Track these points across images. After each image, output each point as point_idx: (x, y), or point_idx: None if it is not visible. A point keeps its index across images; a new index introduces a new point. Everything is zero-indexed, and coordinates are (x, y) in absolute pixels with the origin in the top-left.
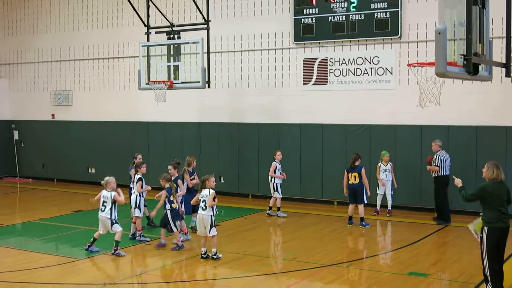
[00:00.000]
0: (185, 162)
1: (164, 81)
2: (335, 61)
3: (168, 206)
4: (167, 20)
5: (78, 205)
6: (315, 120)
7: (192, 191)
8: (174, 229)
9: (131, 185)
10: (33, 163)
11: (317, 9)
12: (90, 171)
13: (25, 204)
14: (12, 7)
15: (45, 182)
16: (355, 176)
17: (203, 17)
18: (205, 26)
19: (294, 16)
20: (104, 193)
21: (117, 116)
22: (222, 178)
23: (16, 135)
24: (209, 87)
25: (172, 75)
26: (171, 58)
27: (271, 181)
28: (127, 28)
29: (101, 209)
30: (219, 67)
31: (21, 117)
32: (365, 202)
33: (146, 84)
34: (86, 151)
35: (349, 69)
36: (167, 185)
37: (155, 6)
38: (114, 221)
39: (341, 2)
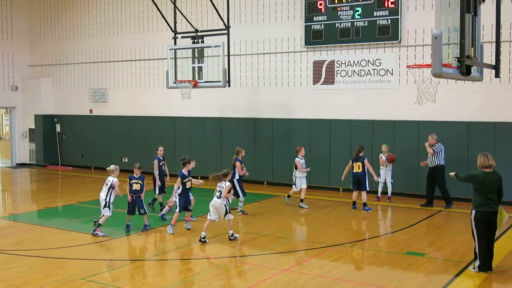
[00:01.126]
0: (235, 151)
1: (189, 81)
2: (341, 63)
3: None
4: (192, 26)
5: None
6: (323, 116)
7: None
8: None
9: (156, 173)
10: (73, 153)
11: (325, 16)
12: (123, 160)
13: (66, 189)
14: (56, 15)
15: (83, 170)
16: (359, 165)
17: (224, 24)
18: (226, 31)
19: (305, 22)
20: (108, 178)
21: (147, 111)
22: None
23: (58, 128)
24: (229, 86)
25: (197, 75)
26: (196, 60)
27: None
28: (157, 33)
29: (102, 190)
30: (238, 68)
31: (63, 112)
32: (367, 189)
33: (174, 83)
34: (120, 142)
35: (354, 70)
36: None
37: (181, 14)
38: (108, 203)
39: (347, 10)
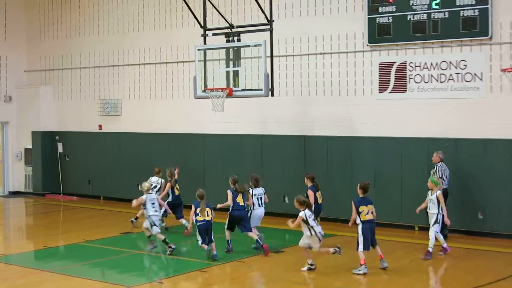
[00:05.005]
0: (309, 177)
1: (222, 89)
2: (415, 66)
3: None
4: (226, 20)
5: (127, 226)
6: (392, 133)
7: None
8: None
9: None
10: (78, 179)
11: (394, 6)
12: (139, 188)
13: (69, 224)
14: (58, 8)
15: (91, 200)
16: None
17: (266, 17)
18: (268, 26)
19: (368, 14)
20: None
21: (170, 128)
22: (286, 198)
23: (60, 147)
24: (272, 95)
25: (231, 82)
26: (230, 62)
27: None
28: (182, 30)
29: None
30: (283, 73)
31: (66, 128)
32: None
33: (203, 92)
34: (136, 166)
35: (431, 75)
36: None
37: (213, 5)
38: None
39: None
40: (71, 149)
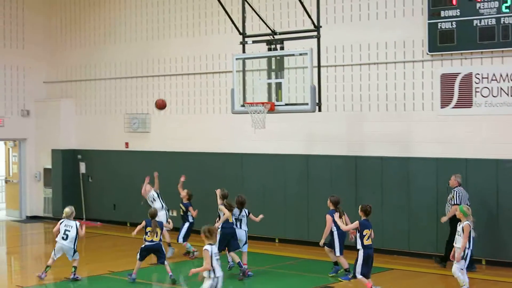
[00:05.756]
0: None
1: (263, 103)
2: (482, 78)
3: None
4: (268, 26)
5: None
6: (456, 154)
7: None
8: None
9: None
10: (102, 203)
11: (458, 10)
12: (170, 213)
13: (92, 253)
14: (81, 14)
15: (116, 226)
16: None
17: (313, 23)
18: (315, 33)
19: (429, 20)
20: (66, 221)
21: (204, 146)
22: None
23: (82, 167)
24: (319, 110)
25: (274, 95)
26: (272, 73)
27: None
28: (218, 37)
29: (62, 238)
30: (332, 85)
31: (89, 146)
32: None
33: (241, 106)
34: (166, 189)
35: (501, 88)
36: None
37: (253, 9)
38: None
39: (490, 1)
40: (94, 169)
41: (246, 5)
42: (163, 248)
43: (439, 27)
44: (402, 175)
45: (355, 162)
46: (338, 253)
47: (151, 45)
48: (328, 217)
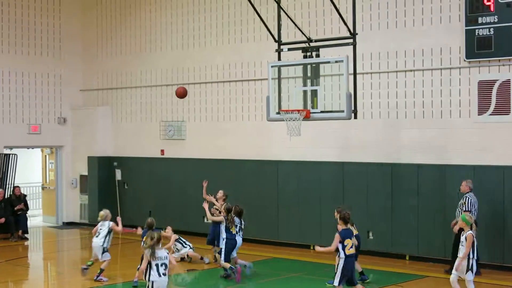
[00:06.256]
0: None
1: (298, 110)
2: None
3: None
4: (303, 33)
5: (193, 262)
6: (494, 161)
7: None
8: None
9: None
10: (138, 209)
11: (496, 16)
12: (205, 220)
13: (128, 259)
14: (117, 23)
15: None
16: None
17: (348, 30)
18: (351, 40)
19: (466, 26)
20: (101, 222)
21: (239, 153)
22: (371, 234)
23: (118, 174)
24: (355, 117)
25: (309, 103)
26: (308, 81)
27: None
28: (253, 45)
29: (96, 236)
30: (368, 92)
31: (125, 153)
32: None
33: (277, 113)
34: (201, 195)
35: None
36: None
37: (288, 17)
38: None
39: None
40: (130, 176)
41: (282, 13)
42: None
43: (476, 34)
44: (438, 183)
45: (391, 170)
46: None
47: (186, 53)
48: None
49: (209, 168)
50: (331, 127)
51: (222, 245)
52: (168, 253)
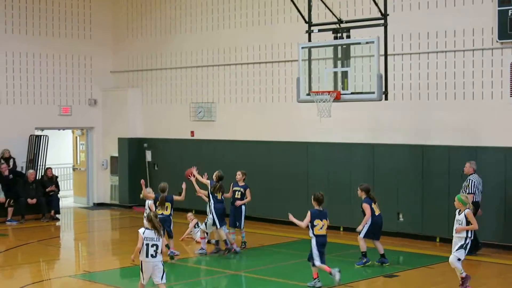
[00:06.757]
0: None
1: (329, 92)
2: None
3: None
4: (334, 14)
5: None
6: None
7: None
8: None
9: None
10: (169, 190)
11: None
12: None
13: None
14: (144, 3)
15: (181, 213)
16: None
17: (380, 10)
18: (382, 21)
19: (499, 6)
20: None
21: (268, 135)
22: (401, 216)
23: (148, 156)
24: (386, 99)
25: (339, 84)
26: (338, 62)
27: None
28: (283, 26)
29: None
30: (399, 74)
31: (155, 134)
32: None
33: (307, 95)
34: (232, 177)
35: None
36: None
37: None
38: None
39: None
40: (160, 158)
41: None
42: (171, 222)
43: (509, 14)
44: None
45: (422, 151)
46: (361, 235)
47: (216, 34)
48: (366, 205)
49: (239, 149)
50: (362, 108)
51: (212, 213)
52: (162, 236)
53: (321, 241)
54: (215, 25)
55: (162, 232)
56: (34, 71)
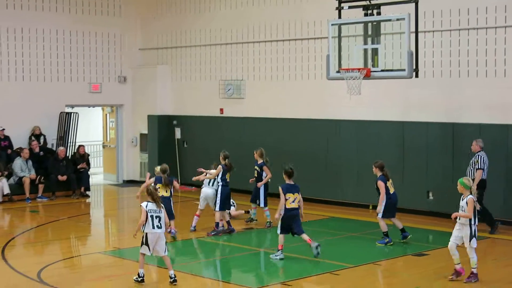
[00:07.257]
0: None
1: (359, 69)
2: None
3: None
4: None
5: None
6: None
7: None
8: None
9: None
10: (197, 167)
11: None
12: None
13: (187, 217)
14: None
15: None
16: None
17: None
18: None
19: None
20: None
21: (298, 112)
22: (431, 194)
23: (178, 133)
24: (416, 76)
25: (369, 61)
26: (368, 39)
27: None
28: (313, 3)
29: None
30: (429, 51)
31: (184, 111)
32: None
33: (337, 72)
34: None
35: None
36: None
37: None
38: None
39: None
40: (189, 135)
41: None
42: (172, 203)
43: None
44: (499, 143)
45: (452, 129)
46: (379, 215)
47: (246, 11)
48: (380, 183)
49: (268, 127)
50: (392, 86)
51: (218, 195)
52: (162, 207)
53: (290, 214)
54: (244, 2)
55: (162, 205)
56: (64, 49)
